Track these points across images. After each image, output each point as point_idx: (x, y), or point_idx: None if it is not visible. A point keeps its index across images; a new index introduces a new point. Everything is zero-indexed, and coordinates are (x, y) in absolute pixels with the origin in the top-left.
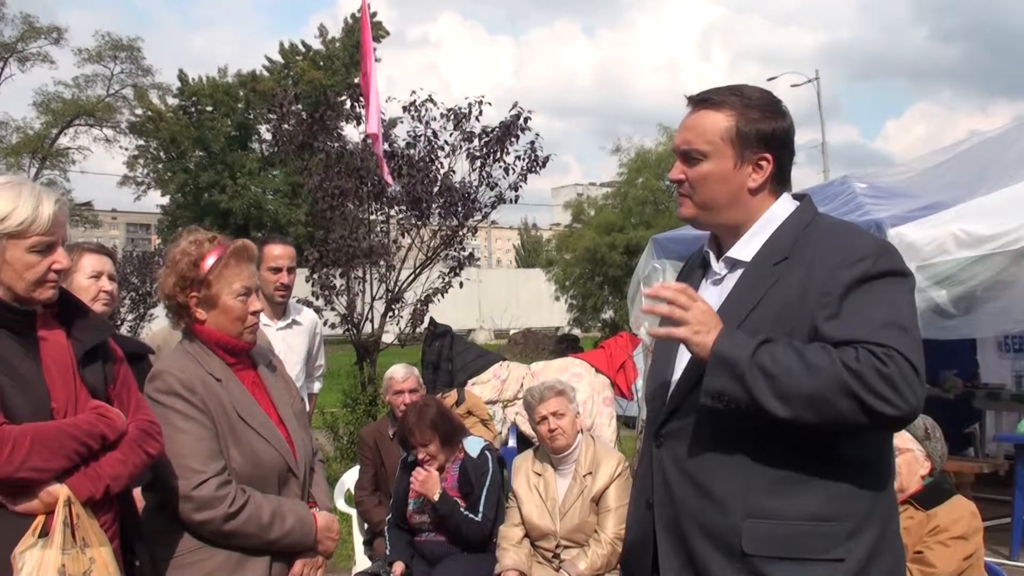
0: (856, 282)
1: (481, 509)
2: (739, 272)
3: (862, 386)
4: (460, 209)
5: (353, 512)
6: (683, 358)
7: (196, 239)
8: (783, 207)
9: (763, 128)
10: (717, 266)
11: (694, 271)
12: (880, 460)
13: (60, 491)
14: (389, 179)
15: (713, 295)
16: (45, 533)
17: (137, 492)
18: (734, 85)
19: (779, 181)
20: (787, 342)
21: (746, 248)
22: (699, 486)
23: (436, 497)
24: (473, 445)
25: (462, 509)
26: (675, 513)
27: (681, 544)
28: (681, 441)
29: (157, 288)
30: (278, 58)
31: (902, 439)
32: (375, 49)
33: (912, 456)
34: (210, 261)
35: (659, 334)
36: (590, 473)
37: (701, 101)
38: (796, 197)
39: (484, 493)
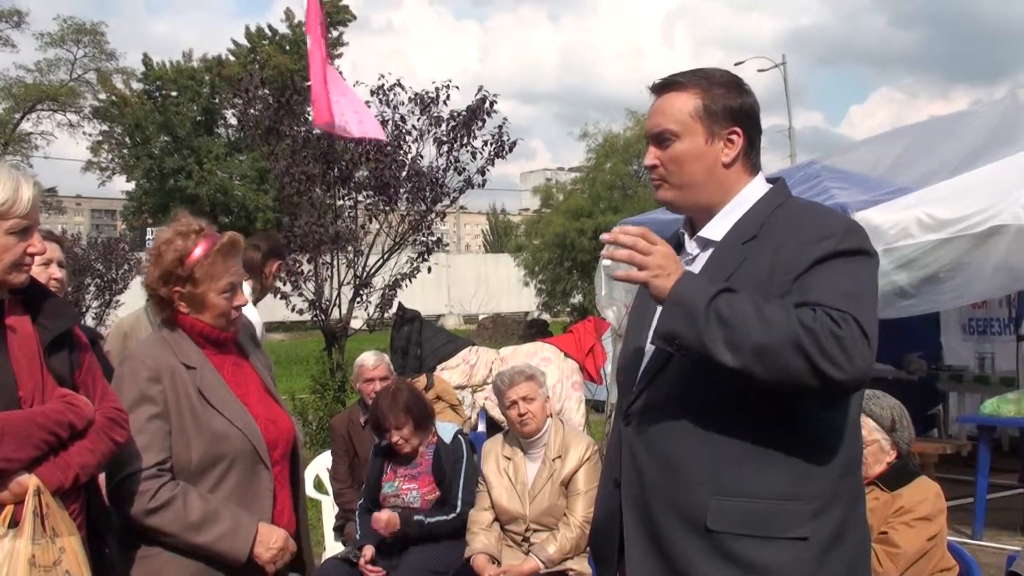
0: (821, 259)
1: (459, 502)
2: (710, 251)
3: (814, 344)
4: (428, 194)
5: (322, 498)
6: None
7: (183, 230)
8: (756, 188)
9: (730, 103)
10: (689, 245)
11: None
12: (846, 441)
13: (30, 481)
14: (381, 134)
15: None
16: (15, 523)
17: (102, 479)
18: (697, 68)
19: (751, 156)
20: (747, 294)
21: (717, 228)
22: (666, 464)
23: (399, 527)
24: (446, 431)
25: (430, 521)
26: (642, 491)
27: (646, 521)
28: (649, 420)
29: (143, 277)
30: (244, 42)
31: (868, 430)
32: (341, 34)
33: (878, 446)
34: (196, 255)
35: (620, 277)
36: (559, 457)
37: (666, 85)
38: (770, 180)
39: (461, 482)
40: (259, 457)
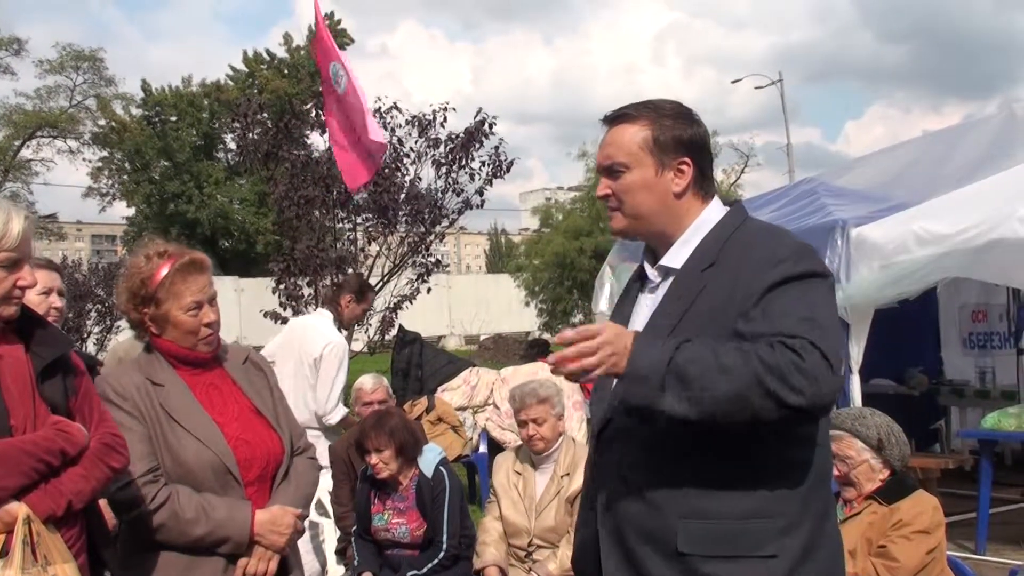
0: (776, 283)
1: (444, 538)
2: (671, 279)
3: (777, 380)
4: (427, 216)
5: (324, 521)
6: None
7: (148, 253)
8: (713, 213)
9: (679, 134)
10: (651, 274)
11: (633, 283)
12: (813, 456)
13: (19, 509)
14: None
15: (648, 303)
16: (4, 552)
17: (104, 503)
18: (647, 100)
19: (703, 185)
20: (703, 342)
21: (677, 256)
22: (635, 489)
23: None
24: (427, 462)
25: (424, 572)
26: (614, 515)
27: (620, 545)
28: (618, 445)
29: (116, 301)
30: (242, 67)
31: (856, 450)
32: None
33: (867, 466)
34: (159, 277)
35: (582, 381)
36: (568, 474)
37: (616, 118)
38: (728, 203)
39: (445, 516)
40: (229, 472)
